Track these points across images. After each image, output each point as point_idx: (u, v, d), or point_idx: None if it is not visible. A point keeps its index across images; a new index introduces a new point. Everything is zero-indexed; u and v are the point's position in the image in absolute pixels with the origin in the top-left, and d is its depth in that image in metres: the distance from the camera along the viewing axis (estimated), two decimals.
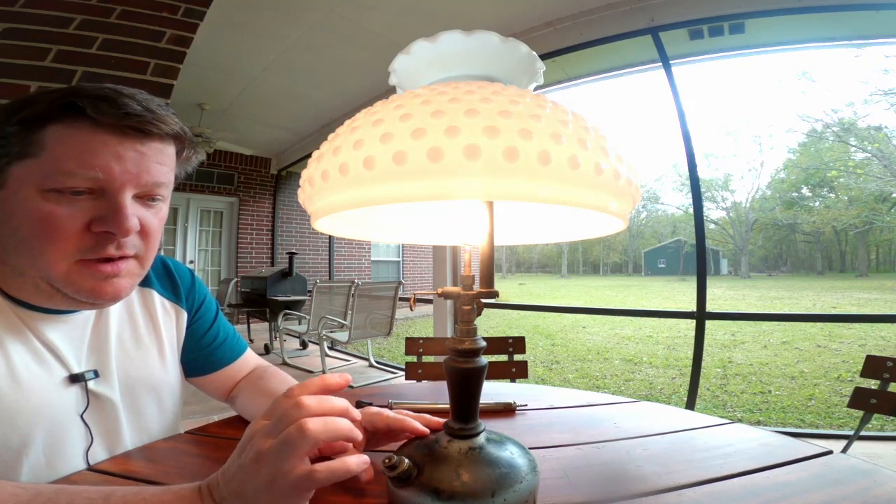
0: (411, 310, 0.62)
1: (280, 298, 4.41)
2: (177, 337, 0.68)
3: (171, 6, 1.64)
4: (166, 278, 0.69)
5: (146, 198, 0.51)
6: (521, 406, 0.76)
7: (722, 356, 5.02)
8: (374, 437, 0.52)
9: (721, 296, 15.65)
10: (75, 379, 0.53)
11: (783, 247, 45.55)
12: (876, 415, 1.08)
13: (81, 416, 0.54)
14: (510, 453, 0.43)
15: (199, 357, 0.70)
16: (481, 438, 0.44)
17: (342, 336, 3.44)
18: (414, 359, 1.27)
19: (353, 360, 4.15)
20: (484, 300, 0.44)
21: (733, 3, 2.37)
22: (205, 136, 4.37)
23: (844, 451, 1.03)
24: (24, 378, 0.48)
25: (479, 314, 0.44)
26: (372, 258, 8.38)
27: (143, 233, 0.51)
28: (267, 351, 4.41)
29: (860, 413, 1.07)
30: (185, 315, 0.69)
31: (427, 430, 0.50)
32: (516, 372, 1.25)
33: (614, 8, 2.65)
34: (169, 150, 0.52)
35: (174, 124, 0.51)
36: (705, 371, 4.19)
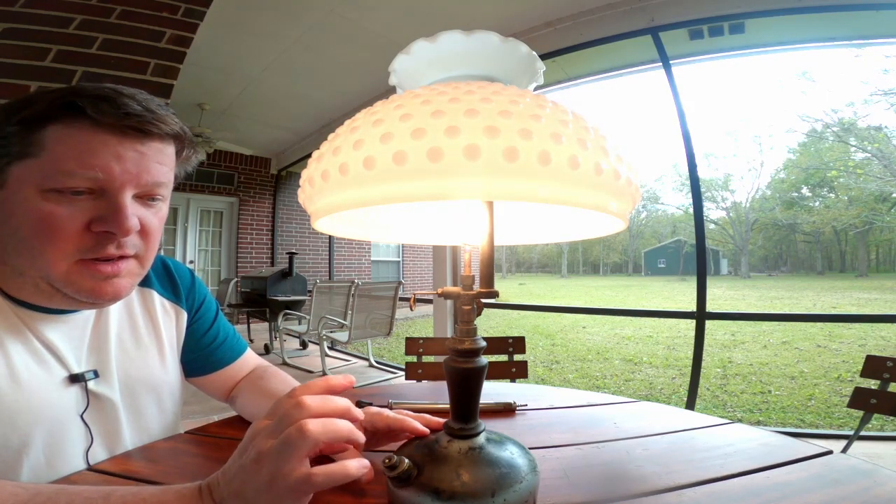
0: (411, 310, 0.62)
1: (280, 298, 4.41)
2: (177, 337, 0.68)
3: (171, 6, 1.64)
4: (166, 278, 0.69)
5: (146, 197, 0.51)
6: (521, 406, 0.76)
7: (722, 356, 5.02)
8: (375, 437, 0.52)
9: (721, 296, 15.65)
10: (75, 379, 0.53)
11: (783, 247, 45.55)
12: (876, 415, 1.08)
13: (81, 416, 0.54)
14: (510, 453, 0.43)
15: (199, 357, 0.70)
16: (481, 438, 0.44)
17: (342, 336, 3.44)
18: (414, 359, 1.27)
19: (353, 360, 4.15)
20: (484, 300, 0.44)
21: (733, 3, 2.37)
22: (205, 136, 4.37)
23: (844, 451, 1.03)
24: (24, 378, 0.48)
25: (479, 314, 0.44)
26: (372, 258, 8.38)
27: (143, 232, 0.51)
28: (267, 351, 4.41)
29: (860, 413, 1.07)
30: (185, 315, 0.69)
31: (427, 430, 0.50)
32: (516, 372, 1.25)
33: (614, 8, 2.65)
34: (169, 150, 0.52)
35: (174, 124, 0.51)
36: (705, 371, 4.19)
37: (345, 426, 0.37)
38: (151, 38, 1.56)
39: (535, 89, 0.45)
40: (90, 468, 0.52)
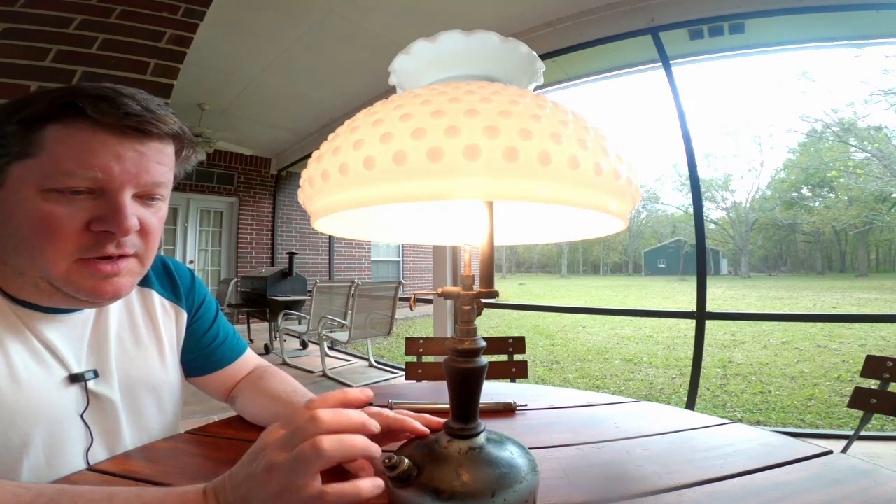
0: (411, 310, 0.62)
1: (280, 298, 4.41)
2: (177, 337, 0.68)
3: (171, 6, 1.64)
4: (166, 278, 0.69)
5: (146, 197, 0.51)
6: (521, 406, 0.76)
7: (722, 356, 5.02)
8: (374, 437, 0.52)
9: (721, 296, 15.65)
10: (75, 379, 0.53)
11: (783, 247, 45.55)
12: (876, 415, 1.08)
13: (81, 416, 0.54)
14: (510, 453, 0.43)
15: (199, 357, 0.70)
16: (481, 438, 0.44)
17: (342, 336, 3.44)
18: (414, 359, 1.27)
19: (353, 360, 4.15)
20: (484, 300, 0.44)
21: (733, 3, 2.37)
22: (205, 136, 4.37)
23: (844, 451, 1.03)
24: (23, 378, 0.48)
25: (479, 314, 0.44)
26: (372, 258, 8.38)
27: (143, 232, 0.51)
28: (267, 351, 4.41)
29: (860, 413, 1.07)
30: (184, 315, 0.69)
31: (427, 430, 0.50)
32: (516, 372, 1.25)
33: (614, 8, 2.65)
34: (168, 150, 0.52)
35: (173, 124, 0.51)
36: (705, 371, 4.19)
37: (360, 443, 0.37)
38: (151, 38, 1.56)
39: (535, 89, 0.45)
40: (90, 468, 0.52)
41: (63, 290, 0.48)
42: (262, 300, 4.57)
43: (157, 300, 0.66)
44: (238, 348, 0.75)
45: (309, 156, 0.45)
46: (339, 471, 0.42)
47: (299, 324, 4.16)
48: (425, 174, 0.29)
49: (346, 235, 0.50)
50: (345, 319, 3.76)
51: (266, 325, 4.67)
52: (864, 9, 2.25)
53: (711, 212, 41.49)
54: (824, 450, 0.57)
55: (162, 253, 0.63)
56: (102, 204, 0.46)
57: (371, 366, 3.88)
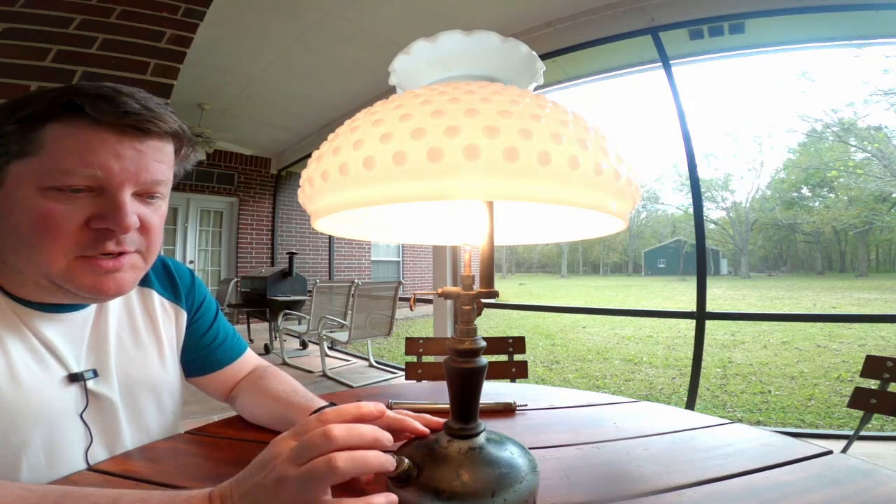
0: (411, 310, 0.62)
1: (280, 298, 4.41)
2: (176, 337, 0.68)
3: (171, 6, 1.64)
4: (166, 278, 0.69)
5: (145, 195, 0.51)
6: (521, 406, 0.76)
7: (722, 356, 5.02)
8: None
9: (721, 296, 15.65)
10: (74, 378, 0.53)
11: (783, 247, 45.55)
12: (876, 415, 1.08)
13: (81, 416, 0.54)
14: (510, 453, 0.43)
15: (199, 357, 0.70)
16: (481, 438, 0.44)
17: (342, 336, 3.44)
18: (414, 359, 1.27)
19: (353, 360, 4.15)
20: (484, 300, 0.44)
21: (733, 3, 2.37)
22: (205, 136, 4.37)
23: (844, 451, 1.03)
24: (23, 377, 0.48)
25: (479, 314, 0.44)
26: (372, 258, 8.38)
27: (144, 229, 0.51)
28: (267, 351, 4.41)
29: (860, 413, 1.07)
30: (184, 315, 0.69)
31: (427, 430, 0.50)
32: (516, 372, 1.25)
33: (614, 8, 2.65)
34: (167, 149, 0.53)
35: (172, 122, 0.51)
36: (705, 371, 4.19)
37: (373, 460, 0.36)
38: (151, 38, 1.56)
39: (535, 89, 0.45)
40: (90, 468, 0.52)
41: (64, 287, 0.48)
42: (262, 300, 4.57)
43: (157, 300, 0.66)
44: (238, 348, 0.75)
45: (309, 156, 0.45)
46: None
47: (299, 324, 4.16)
48: (425, 174, 0.29)
49: (346, 235, 0.50)
50: (345, 319, 3.76)
51: (266, 325, 4.67)
52: (864, 9, 2.25)
53: (711, 212, 41.55)
54: (824, 450, 0.57)
55: (162, 253, 0.63)
56: (102, 202, 0.47)
57: (371, 366, 3.88)
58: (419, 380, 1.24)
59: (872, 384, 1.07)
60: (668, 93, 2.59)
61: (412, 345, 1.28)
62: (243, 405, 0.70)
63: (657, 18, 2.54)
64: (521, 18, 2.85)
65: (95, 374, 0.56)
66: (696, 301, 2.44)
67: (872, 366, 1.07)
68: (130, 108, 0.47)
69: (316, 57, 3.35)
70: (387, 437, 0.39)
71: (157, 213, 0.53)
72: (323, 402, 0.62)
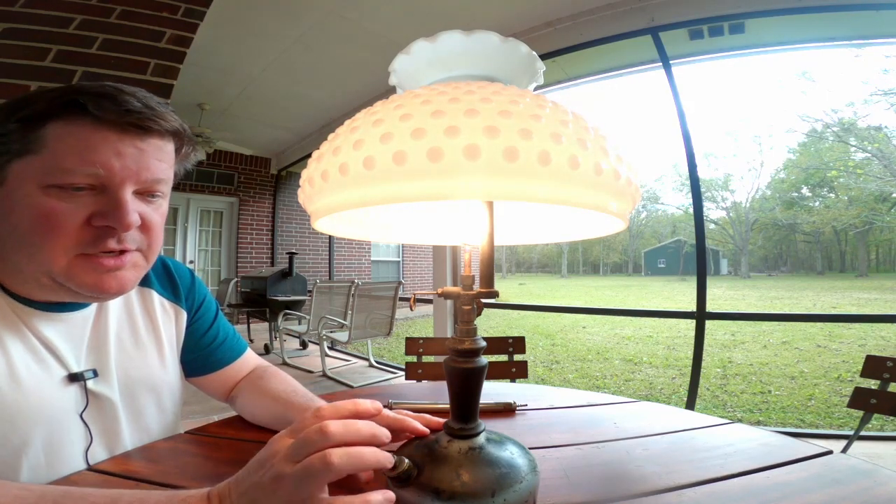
0: (411, 310, 0.62)
1: (280, 298, 4.41)
2: (176, 337, 0.68)
3: (171, 6, 1.64)
4: (166, 278, 0.69)
5: (146, 194, 0.51)
6: (521, 406, 0.76)
7: (722, 356, 5.02)
8: None
9: (721, 296, 15.65)
10: (74, 378, 0.53)
11: (783, 247, 45.55)
12: (876, 415, 1.08)
13: (81, 416, 0.54)
14: (510, 453, 0.43)
15: (199, 357, 0.70)
16: (481, 438, 0.44)
17: (342, 336, 3.44)
18: (414, 359, 1.27)
19: (353, 360, 4.15)
20: (484, 300, 0.44)
21: (733, 3, 2.37)
22: (205, 136, 4.37)
23: (844, 451, 1.03)
24: (23, 377, 0.48)
25: (479, 314, 0.44)
26: (372, 258, 8.38)
27: (145, 228, 0.51)
28: (267, 351, 4.41)
29: (860, 413, 1.07)
30: (184, 315, 0.69)
31: (427, 430, 0.50)
32: (516, 372, 1.25)
33: (614, 8, 2.65)
34: (168, 147, 0.53)
35: (173, 121, 0.52)
36: (705, 371, 4.19)
37: (370, 456, 0.36)
38: (151, 38, 1.56)
39: (535, 89, 0.45)
40: (90, 468, 0.52)
41: (66, 286, 0.49)
42: (262, 300, 4.57)
43: (157, 300, 0.66)
44: (238, 348, 0.75)
45: (309, 156, 0.45)
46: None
47: (299, 324, 4.16)
48: (425, 174, 0.29)
49: (346, 235, 0.50)
50: (345, 319, 3.76)
51: (266, 325, 4.67)
52: (864, 9, 2.25)
53: (711, 212, 41.54)
54: (824, 450, 0.57)
55: (162, 253, 0.63)
56: (103, 200, 0.47)
57: (371, 366, 3.88)
58: (419, 380, 1.24)
59: (872, 384, 1.07)
60: (668, 93, 2.59)
61: (412, 345, 1.28)
62: (243, 405, 0.70)
63: (657, 18, 2.54)
64: (521, 18, 2.85)
65: (95, 373, 0.56)
66: (696, 301, 2.44)
67: (872, 366, 1.07)
68: (132, 107, 0.47)
69: (316, 57, 3.35)
70: (384, 433, 0.39)
71: (157, 212, 0.54)
72: (323, 402, 0.62)
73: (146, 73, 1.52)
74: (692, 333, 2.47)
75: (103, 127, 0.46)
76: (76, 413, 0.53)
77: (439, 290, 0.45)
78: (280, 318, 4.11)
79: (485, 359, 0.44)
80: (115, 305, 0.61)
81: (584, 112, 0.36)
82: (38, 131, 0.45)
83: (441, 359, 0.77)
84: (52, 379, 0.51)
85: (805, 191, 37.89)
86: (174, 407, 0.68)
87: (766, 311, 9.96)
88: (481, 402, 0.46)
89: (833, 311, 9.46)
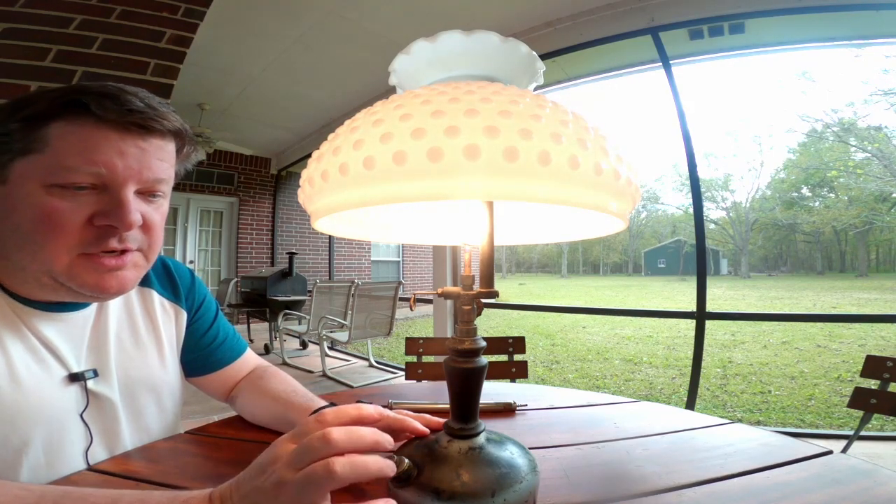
0: (411, 310, 0.62)
1: (280, 298, 4.41)
2: (176, 337, 0.68)
3: (171, 6, 1.64)
4: (166, 278, 0.69)
5: (147, 193, 0.51)
6: (521, 406, 0.76)
7: (722, 356, 5.02)
8: None
9: (721, 296, 15.65)
10: (75, 378, 0.53)
11: (783, 247, 45.54)
12: (876, 415, 1.08)
13: (81, 416, 0.54)
14: (510, 453, 0.43)
15: (199, 357, 0.70)
16: (481, 438, 0.44)
17: (342, 336, 3.44)
18: (414, 359, 1.27)
19: (353, 360, 4.15)
20: (484, 300, 0.44)
21: (733, 3, 2.37)
22: (205, 136, 4.37)
23: (844, 451, 1.03)
24: (23, 377, 0.48)
25: (479, 314, 0.44)
26: (372, 258, 8.38)
27: (146, 227, 0.52)
28: (267, 351, 4.41)
29: (860, 413, 1.07)
30: (184, 315, 0.69)
31: (427, 430, 0.50)
32: (516, 372, 1.25)
33: (614, 8, 2.65)
34: (169, 147, 0.53)
35: (175, 121, 0.52)
36: (705, 371, 4.19)
37: (373, 465, 0.36)
38: (151, 38, 1.56)
39: (535, 89, 0.45)
40: (90, 468, 0.52)
41: (66, 285, 0.49)
42: (262, 300, 4.57)
43: (157, 300, 0.66)
44: (238, 348, 0.75)
45: (309, 156, 0.45)
46: None
47: (299, 324, 4.16)
48: (425, 174, 0.29)
49: (346, 235, 0.50)
50: (345, 319, 3.76)
51: (266, 325, 4.67)
52: (864, 9, 2.25)
53: (711, 212, 41.53)
54: (824, 450, 0.57)
55: (162, 253, 0.64)
56: (105, 199, 0.47)
57: (371, 366, 3.88)
58: (419, 380, 1.24)
59: (872, 384, 1.07)
60: (668, 93, 2.59)
61: (412, 345, 1.28)
62: (243, 405, 0.70)
63: (657, 18, 2.54)
64: (521, 18, 2.85)
65: (96, 373, 0.56)
66: (696, 301, 2.44)
67: (872, 366, 1.07)
68: (134, 107, 0.47)
69: (316, 57, 3.35)
70: (387, 440, 0.38)
71: (158, 212, 0.54)
72: (323, 402, 0.62)
73: (146, 73, 1.52)
74: (692, 333, 2.47)
75: (106, 126, 0.46)
76: (76, 413, 0.53)
77: (439, 290, 0.45)
78: (280, 318, 4.11)
79: (485, 359, 0.44)
80: (115, 305, 0.61)
81: (584, 112, 0.36)
82: (40, 130, 0.45)
83: (441, 359, 0.77)
84: (52, 379, 0.51)
85: (805, 191, 37.90)
86: (174, 407, 0.68)
87: (766, 311, 9.96)
88: (481, 402, 0.46)
89: (833, 311, 9.46)
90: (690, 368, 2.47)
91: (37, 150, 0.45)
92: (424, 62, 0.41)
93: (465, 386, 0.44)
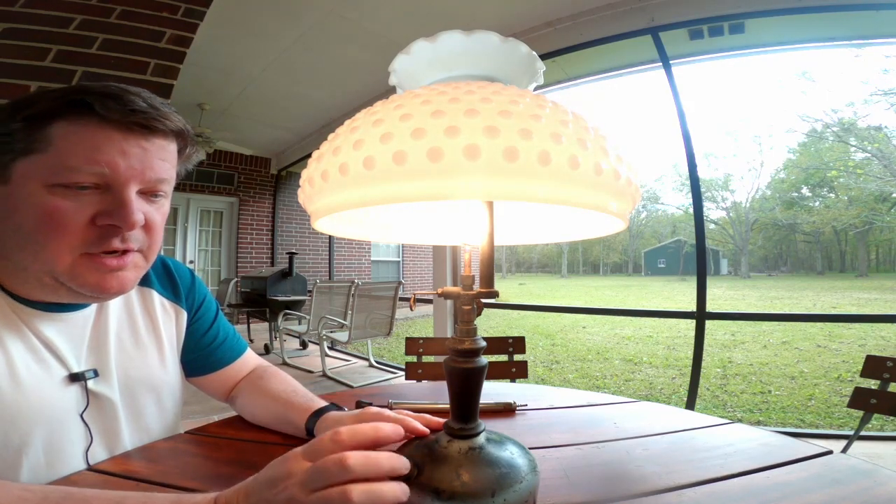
0: (411, 310, 0.62)
1: (280, 298, 4.41)
2: (176, 337, 0.68)
3: (171, 6, 1.64)
4: (166, 278, 0.69)
5: (149, 193, 0.52)
6: (521, 406, 0.76)
7: (722, 356, 5.02)
8: None
9: (721, 296, 15.65)
10: (75, 378, 0.53)
11: (783, 247, 45.54)
12: (876, 415, 1.08)
13: (81, 416, 0.54)
14: (510, 453, 0.43)
15: (199, 357, 0.70)
16: (481, 438, 0.44)
17: (342, 336, 3.44)
18: (414, 359, 1.27)
19: (353, 360, 4.15)
20: (484, 300, 0.43)
21: (733, 3, 2.37)
22: (205, 136, 4.37)
23: (844, 451, 1.03)
24: (24, 377, 0.48)
25: (479, 314, 0.44)
26: (372, 258, 8.38)
27: (147, 227, 0.52)
28: (267, 351, 4.41)
29: (860, 413, 1.07)
30: (184, 315, 0.69)
31: (427, 430, 0.50)
32: (516, 372, 1.25)
33: (614, 8, 2.65)
34: (171, 147, 0.53)
35: (177, 121, 0.52)
36: (705, 371, 4.19)
37: (389, 494, 0.35)
38: (151, 38, 1.56)
39: (535, 89, 0.45)
40: (90, 468, 0.52)
41: (67, 286, 0.49)
42: (262, 300, 4.57)
43: (157, 300, 0.66)
44: (238, 348, 0.75)
45: (309, 156, 0.45)
46: None
47: (299, 324, 4.16)
48: (425, 174, 0.29)
49: (346, 235, 0.50)
50: (345, 319, 3.76)
51: (266, 325, 4.67)
52: (864, 9, 2.25)
53: (711, 212, 41.52)
54: (824, 450, 0.57)
55: (162, 253, 0.64)
56: (108, 199, 0.47)
57: (371, 366, 3.88)
58: (419, 380, 1.24)
59: (872, 384, 1.07)
60: (668, 93, 2.59)
61: (412, 345, 1.28)
62: (243, 405, 0.70)
63: (657, 18, 2.54)
64: (521, 18, 2.85)
65: (96, 373, 0.56)
66: (696, 301, 2.44)
67: (872, 366, 1.07)
68: (137, 107, 0.47)
69: (316, 57, 3.35)
70: (403, 465, 0.38)
71: (159, 212, 0.54)
72: (323, 402, 0.62)
73: (146, 73, 1.52)
74: (692, 333, 2.47)
75: (109, 126, 0.46)
76: (76, 413, 0.53)
77: (439, 290, 0.45)
78: (280, 318, 4.11)
79: (485, 359, 0.44)
80: (115, 305, 0.61)
81: (584, 112, 0.36)
82: (43, 130, 0.45)
83: (441, 359, 0.77)
84: (52, 379, 0.51)
85: (805, 191, 37.89)
86: (174, 407, 0.68)
87: (766, 311, 9.96)
88: (481, 402, 0.46)
89: (833, 311, 9.46)
90: (690, 368, 2.47)
91: (39, 150, 0.45)
92: (424, 62, 0.41)
93: (465, 386, 0.44)
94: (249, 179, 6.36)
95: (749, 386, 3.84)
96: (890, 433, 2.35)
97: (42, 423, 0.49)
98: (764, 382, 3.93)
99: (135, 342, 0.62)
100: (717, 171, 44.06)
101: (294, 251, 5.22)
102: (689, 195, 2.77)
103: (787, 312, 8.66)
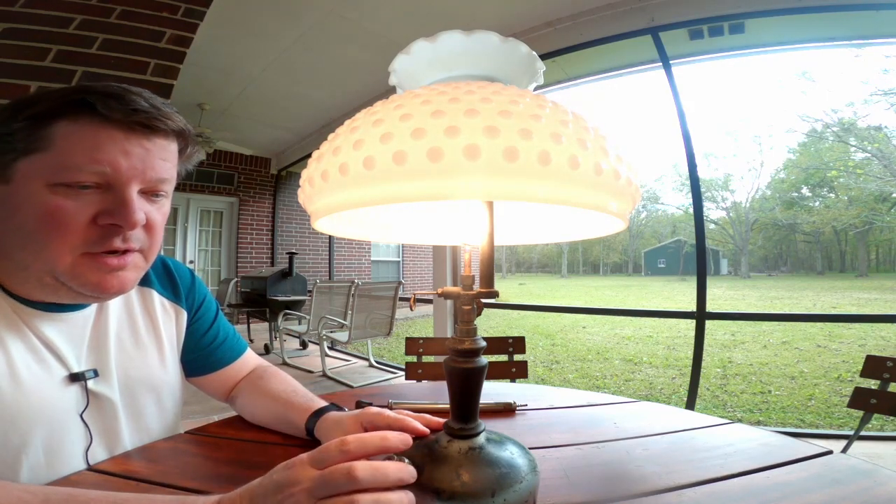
0: (411, 310, 0.62)
1: (280, 298, 4.41)
2: (177, 337, 0.68)
3: (171, 6, 1.64)
4: (166, 278, 0.69)
5: (150, 193, 0.52)
6: (521, 406, 0.76)
7: (722, 356, 5.02)
8: None
9: (721, 296, 15.65)
10: (75, 378, 0.53)
11: (783, 247, 45.53)
12: (876, 415, 1.08)
13: (81, 416, 0.54)
14: (510, 453, 0.43)
15: (199, 357, 0.70)
16: (481, 438, 0.44)
17: (342, 336, 3.44)
18: (414, 359, 1.27)
19: (353, 360, 4.15)
20: (484, 300, 0.44)
21: (733, 3, 2.37)
22: (205, 136, 4.37)
23: (844, 451, 1.03)
24: (24, 377, 0.48)
25: (479, 314, 0.44)
26: (372, 258, 8.38)
27: (148, 227, 0.52)
28: (267, 351, 4.41)
29: (860, 413, 1.07)
30: (184, 315, 0.69)
31: (427, 430, 0.50)
32: (516, 372, 1.25)
33: (614, 8, 2.65)
34: (172, 147, 0.53)
35: (179, 121, 0.52)
36: (705, 371, 4.19)
37: (396, 502, 0.35)
38: (151, 38, 1.56)
39: (535, 89, 0.45)
40: (90, 468, 0.52)
41: (68, 285, 0.49)
42: (262, 300, 4.57)
43: (157, 300, 0.66)
44: (238, 348, 0.75)
45: (309, 156, 0.45)
46: None
47: (299, 324, 4.16)
48: (425, 174, 0.29)
49: (346, 235, 0.51)
50: (345, 319, 3.76)
51: (266, 325, 4.67)
52: (864, 9, 2.25)
53: (711, 212, 41.51)
54: (824, 450, 0.57)
55: (162, 253, 0.64)
56: (110, 198, 0.47)
57: (371, 366, 3.88)
58: (419, 380, 1.24)
59: (872, 384, 1.07)
60: (668, 93, 2.59)
61: (412, 345, 1.28)
62: (243, 405, 0.70)
63: (657, 18, 2.54)
64: (521, 18, 2.85)
65: (96, 373, 0.56)
66: (696, 301, 2.44)
67: (872, 366, 1.07)
68: (139, 106, 0.47)
69: (316, 57, 3.35)
70: (410, 475, 0.38)
71: (160, 212, 0.54)
72: (323, 403, 0.62)
73: (146, 73, 1.52)
74: (692, 333, 2.47)
75: (110, 126, 0.46)
76: (76, 413, 0.53)
77: (439, 290, 0.45)
78: (280, 318, 4.11)
79: (485, 359, 0.44)
80: (115, 305, 0.61)
81: (584, 112, 0.36)
82: (45, 130, 0.45)
83: (441, 359, 0.77)
84: (52, 379, 0.51)
85: (805, 191, 37.88)
86: (174, 407, 0.68)
87: (766, 311, 9.96)
88: (481, 402, 0.46)
89: (833, 311, 9.46)
90: (690, 368, 2.47)
91: (41, 150, 0.45)
92: (424, 62, 0.41)
93: (465, 386, 0.44)
94: (249, 179, 6.36)
95: (749, 386, 3.84)
96: (890, 433, 2.35)
97: (42, 423, 0.49)
98: (764, 382, 3.93)
99: (135, 342, 0.62)
100: (717, 171, 44.10)
101: (294, 251, 5.22)
102: (689, 195, 2.77)
103: (787, 312, 8.66)
